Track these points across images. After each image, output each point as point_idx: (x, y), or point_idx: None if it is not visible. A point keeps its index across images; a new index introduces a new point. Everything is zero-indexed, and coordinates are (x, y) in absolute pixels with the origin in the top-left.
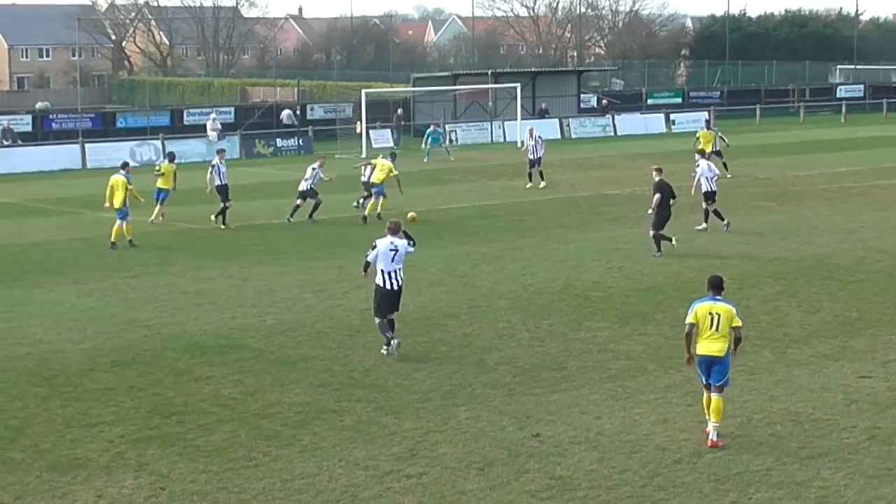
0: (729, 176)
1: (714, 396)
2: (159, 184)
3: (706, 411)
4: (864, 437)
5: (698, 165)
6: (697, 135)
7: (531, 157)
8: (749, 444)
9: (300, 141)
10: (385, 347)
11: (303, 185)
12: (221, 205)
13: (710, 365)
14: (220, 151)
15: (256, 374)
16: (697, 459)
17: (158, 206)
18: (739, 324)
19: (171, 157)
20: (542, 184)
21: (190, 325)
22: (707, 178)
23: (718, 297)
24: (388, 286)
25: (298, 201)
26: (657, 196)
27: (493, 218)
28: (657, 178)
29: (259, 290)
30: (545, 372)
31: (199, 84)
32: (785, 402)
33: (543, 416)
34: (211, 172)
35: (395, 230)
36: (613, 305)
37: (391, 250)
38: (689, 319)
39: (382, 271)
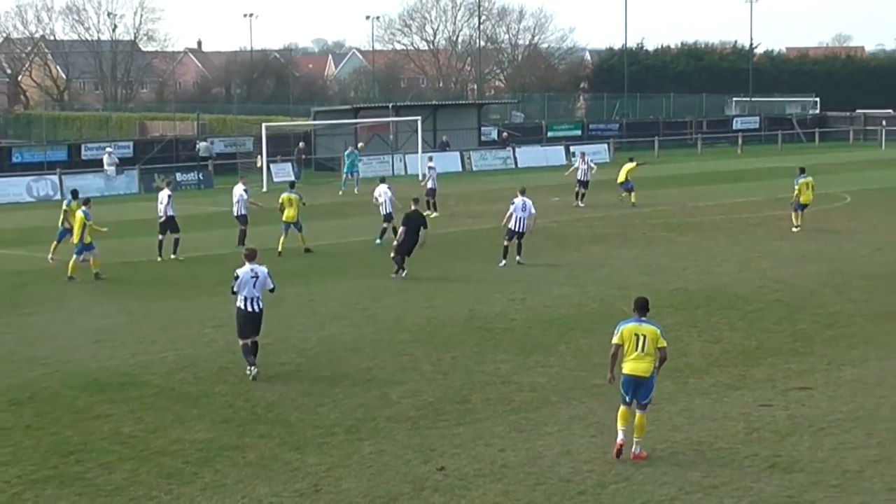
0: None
1: (638, 413)
2: (69, 223)
3: (619, 421)
4: (766, 466)
5: (513, 202)
6: (627, 167)
7: (430, 186)
8: (652, 473)
9: (200, 175)
10: (249, 369)
11: (235, 210)
12: (170, 237)
13: (637, 385)
14: (169, 183)
15: (157, 411)
16: (602, 490)
17: (56, 244)
18: (664, 344)
19: (74, 194)
20: (434, 214)
21: (89, 363)
22: (519, 217)
23: (644, 319)
24: (248, 309)
25: (242, 227)
26: (402, 228)
27: None
28: (412, 208)
29: (159, 325)
30: (449, 405)
31: (97, 118)
32: (687, 431)
33: (448, 449)
34: (167, 204)
35: (251, 257)
36: (516, 337)
37: (252, 277)
38: (615, 340)
39: (245, 297)
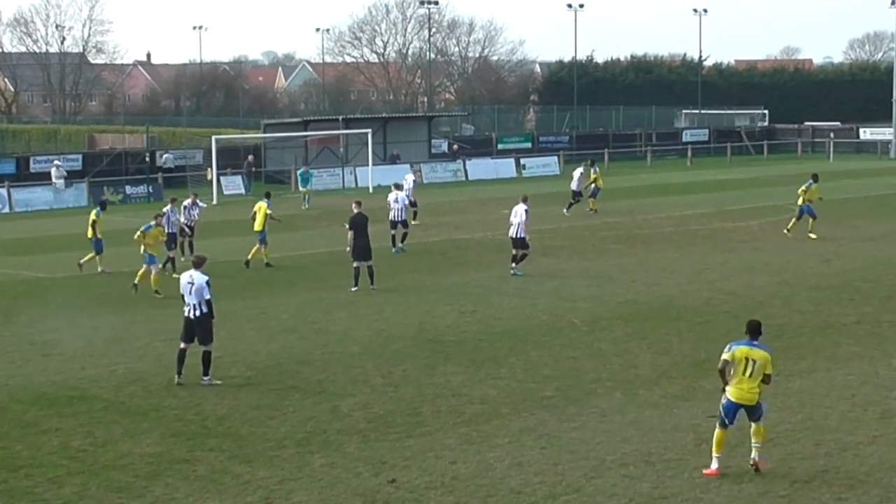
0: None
1: (754, 425)
2: (98, 234)
3: (715, 447)
4: (715, 477)
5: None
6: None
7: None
8: (602, 485)
9: (150, 188)
10: (177, 377)
11: (183, 219)
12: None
13: (742, 409)
14: (173, 200)
15: (107, 425)
16: (552, 502)
17: (98, 256)
18: (771, 371)
19: (102, 205)
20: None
21: (38, 377)
22: (515, 223)
23: (756, 343)
24: (186, 314)
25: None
26: (350, 232)
27: (344, 264)
28: (355, 211)
29: (109, 339)
30: (399, 417)
31: (46, 131)
32: (637, 442)
33: (398, 461)
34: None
35: (198, 264)
36: (466, 350)
37: (188, 283)
38: (726, 356)
39: (186, 303)
